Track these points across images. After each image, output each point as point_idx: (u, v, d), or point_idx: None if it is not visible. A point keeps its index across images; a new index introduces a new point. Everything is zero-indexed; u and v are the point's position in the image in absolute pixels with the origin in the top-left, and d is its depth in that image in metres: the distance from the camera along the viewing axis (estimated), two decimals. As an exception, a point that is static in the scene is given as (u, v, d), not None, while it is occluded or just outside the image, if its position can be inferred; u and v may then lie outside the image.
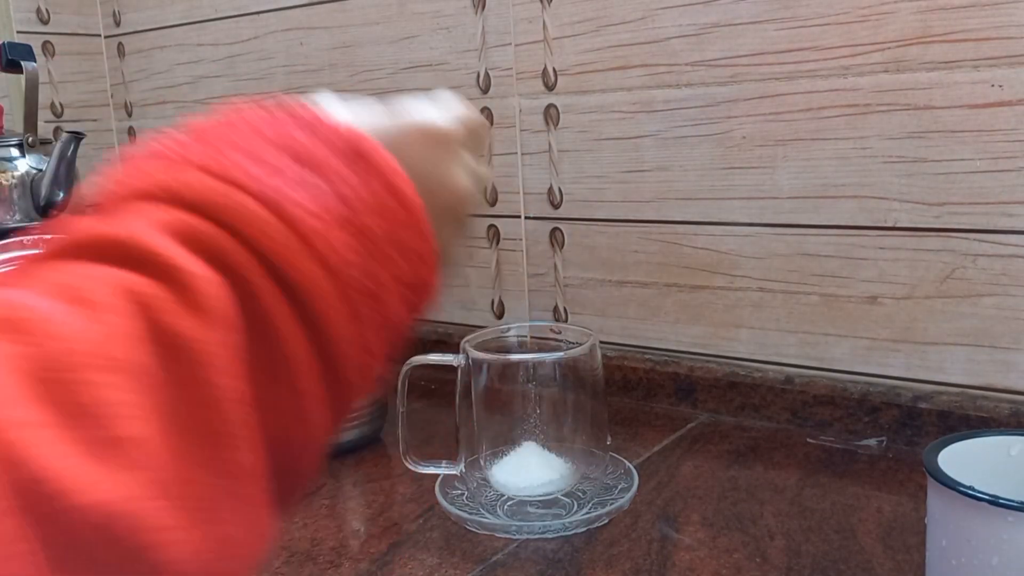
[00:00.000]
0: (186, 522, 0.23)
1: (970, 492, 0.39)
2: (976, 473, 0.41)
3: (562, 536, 0.60)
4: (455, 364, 0.64)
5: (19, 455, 0.21)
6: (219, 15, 1.15)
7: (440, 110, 0.35)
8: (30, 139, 0.93)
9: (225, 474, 0.25)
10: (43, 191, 0.92)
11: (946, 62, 0.67)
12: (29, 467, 0.21)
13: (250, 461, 0.26)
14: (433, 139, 0.34)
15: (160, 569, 0.23)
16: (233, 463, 0.25)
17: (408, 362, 0.65)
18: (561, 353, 0.63)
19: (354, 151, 0.29)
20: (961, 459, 0.43)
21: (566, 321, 0.91)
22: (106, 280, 0.24)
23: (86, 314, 0.23)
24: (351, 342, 0.28)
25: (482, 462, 0.64)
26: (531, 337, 0.71)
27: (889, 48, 0.69)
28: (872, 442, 0.72)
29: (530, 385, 0.63)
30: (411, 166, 0.31)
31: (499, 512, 0.63)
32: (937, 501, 0.42)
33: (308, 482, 0.31)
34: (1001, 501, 0.38)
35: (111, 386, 0.22)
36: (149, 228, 0.25)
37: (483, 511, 0.63)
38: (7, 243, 0.56)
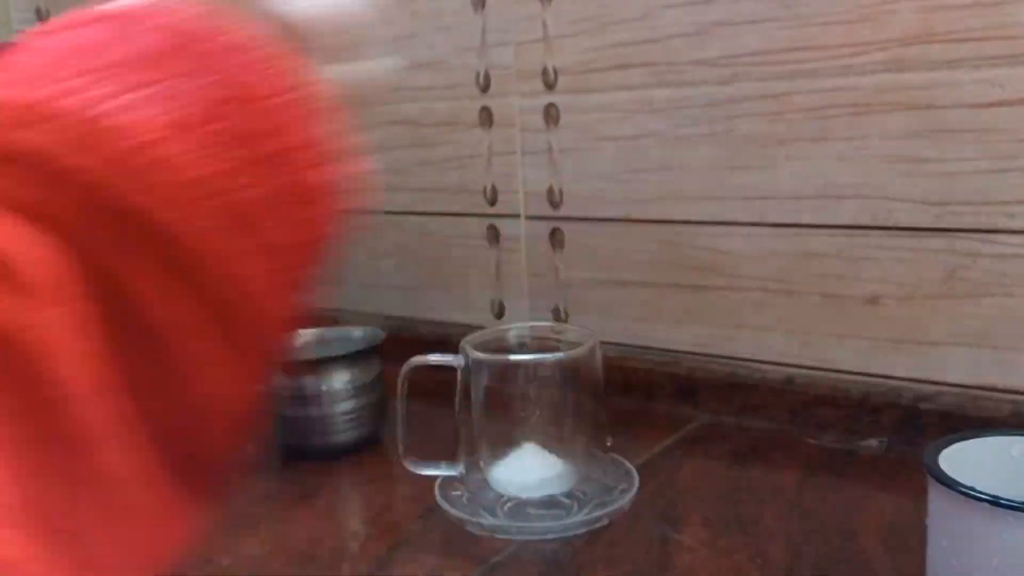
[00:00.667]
0: (45, 552, 0.19)
1: (971, 492, 0.39)
2: (977, 474, 0.41)
3: (562, 537, 0.59)
4: (455, 365, 0.64)
5: None
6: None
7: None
8: None
9: (87, 485, 0.20)
10: None
11: (948, 62, 0.67)
12: None
13: (123, 463, 0.21)
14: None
15: None
16: (95, 471, 0.21)
17: (408, 363, 0.65)
18: (561, 354, 0.63)
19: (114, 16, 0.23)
20: (962, 460, 0.43)
21: (566, 321, 0.91)
22: None
23: None
24: (231, 268, 0.22)
25: (482, 463, 0.64)
26: (531, 337, 0.71)
27: (891, 48, 0.69)
28: (873, 443, 0.72)
29: (530, 386, 0.63)
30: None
31: (499, 513, 0.63)
32: (938, 502, 0.42)
33: (239, 454, 0.26)
34: (1002, 502, 0.38)
35: None
36: None
37: (483, 512, 0.62)
38: None
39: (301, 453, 0.77)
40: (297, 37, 0.27)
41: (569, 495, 0.64)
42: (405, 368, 0.64)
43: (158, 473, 0.22)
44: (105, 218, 0.20)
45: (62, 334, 0.20)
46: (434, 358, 0.65)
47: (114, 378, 0.21)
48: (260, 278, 0.23)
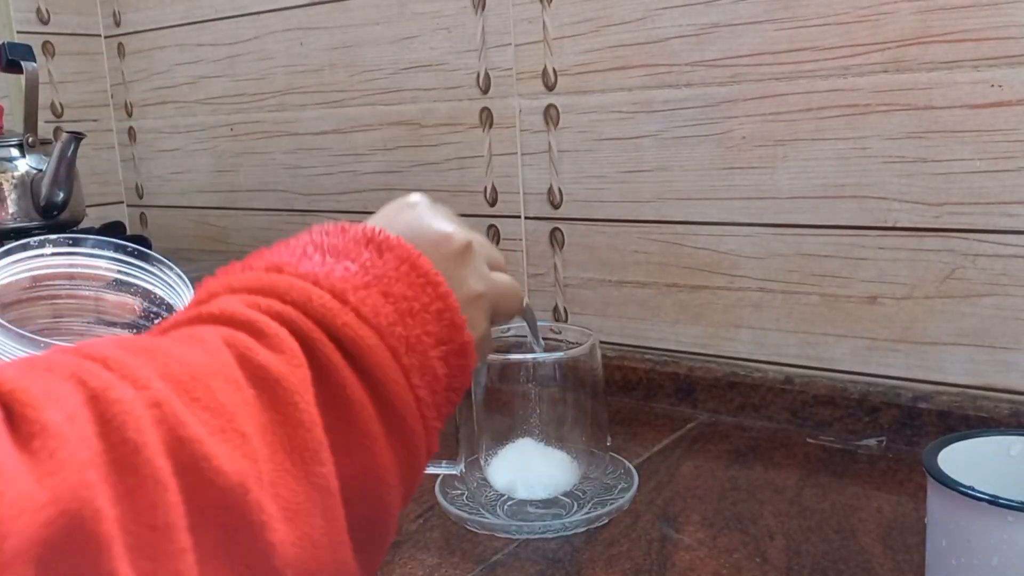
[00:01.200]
0: (282, 516, 0.28)
1: (970, 492, 0.39)
2: (976, 473, 0.41)
3: (562, 536, 0.60)
4: None
5: (177, 419, 0.26)
6: (219, 15, 1.15)
7: (455, 225, 0.42)
8: (30, 139, 0.93)
9: (310, 486, 0.30)
10: (43, 191, 0.92)
11: (946, 62, 0.67)
12: (182, 430, 0.26)
13: (331, 480, 0.30)
14: (446, 244, 0.41)
15: (270, 550, 0.28)
16: (318, 476, 0.30)
17: None
18: (561, 353, 0.63)
19: (375, 241, 0.37)
20: (961, 459, 0.43)
21: (566, 321, 0.91)
22: (210, 332, 0.31)
23: (199, 347, 0.30)
24: (402, 386, 0.34)
25: (482, 462, 0.64)
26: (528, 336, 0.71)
27: (889, 48, 0.69)
28: (872, 442, 0.72)
29: (530, 385, 0.63)
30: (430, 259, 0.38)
31: (499, 512, 0.63)
32: (937, 501, 0.42)
33: (385, 539, 0.35)
34: (1001, 501, 0.38)
35: (226, 392, 0.28)
36: (236, 304, 0.33)
37: (483, 511, 0.63)
38: (11, 247, 0.56)
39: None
40: (455, 250, 0.42)
41: (569, 494, 0.64)
42: None
43: (342, 502, 0.31)
44: (322, 332, 0.33)
45: (301, 384, 0.31)
46: None
47: (322, 423, 0.31)
48: (421, 389, 0.35)
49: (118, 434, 0.25)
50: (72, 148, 0.90)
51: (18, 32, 1.21)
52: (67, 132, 0.90)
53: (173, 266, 0.58)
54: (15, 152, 0.93)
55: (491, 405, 0.64)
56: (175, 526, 0.25)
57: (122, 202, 1.35)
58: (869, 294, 0.74)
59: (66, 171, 0.91)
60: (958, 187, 0.68)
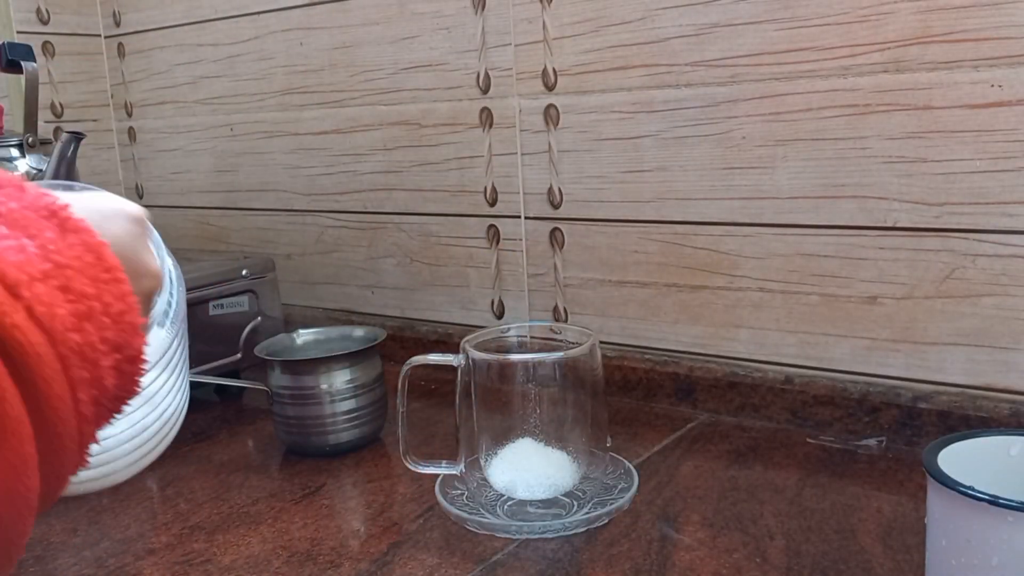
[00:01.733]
0: None
1: (970, 492, 0.39)
2: (976, 473, 0.41)
3: (562, 536, 0.60)
4: (455, 364, 0.64)
5: None
6: (219, 15, 1.15)
7: (123, 201, 0.37)
8: (30, 139, 0.93)
9: None
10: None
11: (946, 62, 0.67)
12: None
13: None
14: (130, 219, 0.36)
15: None
16: None
17: (408, 362, 0.65)
18: (561, 353, 0.63)
19: (59, 217, 0.31)
20: (961, 459, 0.43)
21: (566, 321, 0.91)
22: None
23: None
24: (67, 402, 0.29)
25: (482, 462, 0.64)
26: (531, 337, 0.71)
27: (889, 48, 0.70)
28: (872, 442, 0.72)
29: (530, 385, 0.63)
30: (112, 240, 0.33)
31: (499, 512, 0.63)
32: (937, 501, 0.42)
33: (10, 554, 0.29)
34: (1001, 501, 0.38)
35: None
36: None
37: (483, 511, 0.63)
38: None
39: (302, 452, 0.78)
40: (137, 224, 0.37)
41: (569, 494, 0.64)
42: (405, 367, 0.65)
43: None
44: None
45: None
46: (434, 358, 0.65)
47: None
48: (86, 405, 0.30)
49: None
50: (72, 148, 0.90)
51: (18, 32, 1.21)
52: (67, 132, 0.90)
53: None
54: (15, 152, 0.93)
55: (491, 405, 0.64)
56: None
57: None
58: (869, 294, 0.74)
59: (66, 171, 0.91)
60: (958, 187, 0.68)
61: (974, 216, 0.68)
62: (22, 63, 0.90)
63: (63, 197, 0.32)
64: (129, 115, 1.31)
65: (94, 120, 1.30)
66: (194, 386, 0.90)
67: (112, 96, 1.32)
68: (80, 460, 0.31)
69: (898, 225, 0.72)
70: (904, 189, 0.71)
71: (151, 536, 0.64)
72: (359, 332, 0.83)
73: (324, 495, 0.69)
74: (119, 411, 0.33)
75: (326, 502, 0.68)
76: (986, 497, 0.38)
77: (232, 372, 0.94)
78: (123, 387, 0.33)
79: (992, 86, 0.66)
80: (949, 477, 0.40)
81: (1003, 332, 0.69)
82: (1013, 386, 0.69)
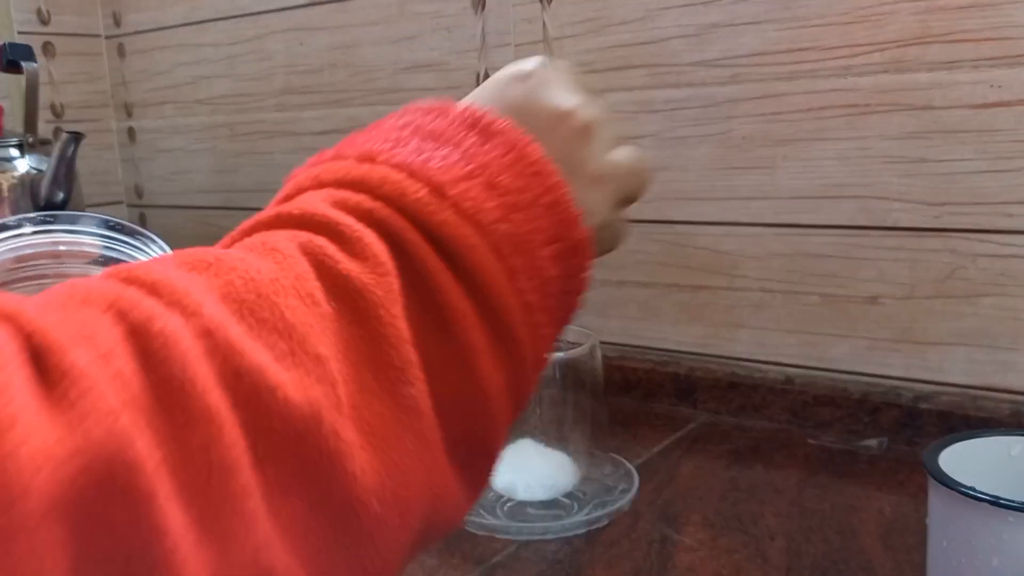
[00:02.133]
0: (364, 442, 0.26)
1: (971, 493, 0.39)
2: (977, 474, 0.41)
3: (562, 537, 0.60)
4: None
5: (232, 348, 0.23)
6: (219, 15, 1.15)
7: (574, 98, 0.37)
8: (30, 139, 0.93)
9: (397, 407, 0.27)
10: (43, 191, 0.91)
11: (946, 62, 0.67)
12: (238, 360, 0.23)
13: (422, 399, 0.28)
14: (563, 124, 0.36)
15: (350, 479, 0.25)
16: (405, 397, 0.27)
17: None
18: (561, 353, 0.63)
19: (480, 125, 0.33)
20: (961, 459, 0.43)
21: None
22: (287, 237, 0.28)
23: (271, 257, 0.27)
24: (506, 290, 0.30)
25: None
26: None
27: (889, 48, 0.69)
28: (872, 442, 0.72)
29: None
30: (543, 143, 0.33)
31: (499, 513, 0.63)
32: (938, 502, 0.42)
33: (493, 452, 0.32)
34: (1002, 501, 0.38)
35: (298, 310, 0.26)
36: (320, 202, 0.30)
37: (482, 512, 0.63)
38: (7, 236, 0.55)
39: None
40: (573, 128, 0.37)
41: (569, 495, 0.64)
42: None
43: (438, 423, 0.28)
44: (416, 231, 0.29)
45: (387, 295, 0.28)
46: None
47: (413, 337, 0.28)
48: (530, 294, 0.31)
49: (161, 370, 0.22)
50: (72, 148, 0.90)
51: (19, 32, 1.21)
52: (67, 132, 0.90)
53: (157, 238, 0.57)
54: (15, 152, 0.93)
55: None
56: (234, 466, 0.23)
57: (122, 202, 1.35)
58: (869, 294, 0.74)
59: (66, 171, 0.91)
60: (958, 187, 0.68)
61: (975, 216, 0.68)
62: (22, 63, 0.90)
63: (485, 105, 0.34)
64: (129, 115, 1.31)
65: (94, 120, 1.30)
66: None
67: (112, 96, 1.32)
68: (540, 351, 0.32)
69: (898, 225, 0.72)
70: (904, 189, 0.71)
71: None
72: None
73: (324, 496, 0.69)
74: (573, 305, 0.34)
75: (326, 503, 0.68)
76: (987, 498, 0.38)
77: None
78: (569, 280, 0.33)
79: (992, 86, 0.66)
80: (950, 478, 0.40)
81: (1003, 332, 0.68)
82: (1014, 386, 0.69)
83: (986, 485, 0.39)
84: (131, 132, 1.32)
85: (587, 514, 0.61)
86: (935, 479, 0.41)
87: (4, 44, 0.91)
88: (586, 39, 0.84)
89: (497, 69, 0.97)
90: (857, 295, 0.74)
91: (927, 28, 0.68)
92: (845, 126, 0.72)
